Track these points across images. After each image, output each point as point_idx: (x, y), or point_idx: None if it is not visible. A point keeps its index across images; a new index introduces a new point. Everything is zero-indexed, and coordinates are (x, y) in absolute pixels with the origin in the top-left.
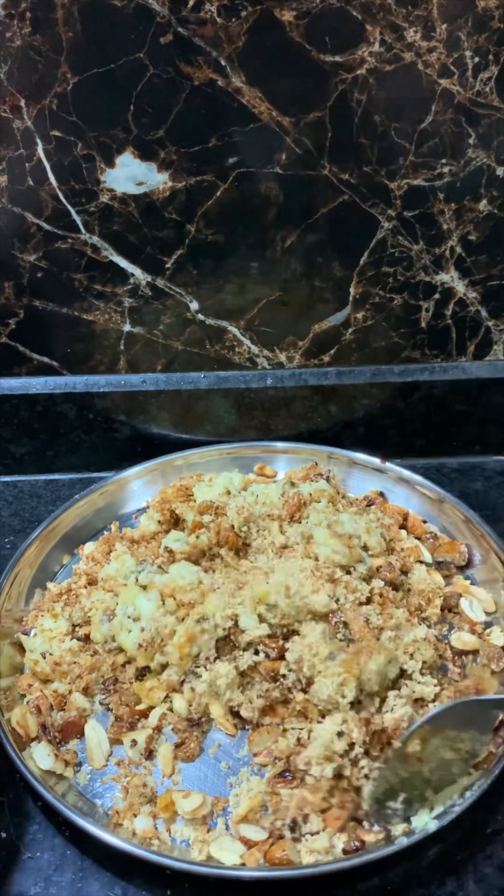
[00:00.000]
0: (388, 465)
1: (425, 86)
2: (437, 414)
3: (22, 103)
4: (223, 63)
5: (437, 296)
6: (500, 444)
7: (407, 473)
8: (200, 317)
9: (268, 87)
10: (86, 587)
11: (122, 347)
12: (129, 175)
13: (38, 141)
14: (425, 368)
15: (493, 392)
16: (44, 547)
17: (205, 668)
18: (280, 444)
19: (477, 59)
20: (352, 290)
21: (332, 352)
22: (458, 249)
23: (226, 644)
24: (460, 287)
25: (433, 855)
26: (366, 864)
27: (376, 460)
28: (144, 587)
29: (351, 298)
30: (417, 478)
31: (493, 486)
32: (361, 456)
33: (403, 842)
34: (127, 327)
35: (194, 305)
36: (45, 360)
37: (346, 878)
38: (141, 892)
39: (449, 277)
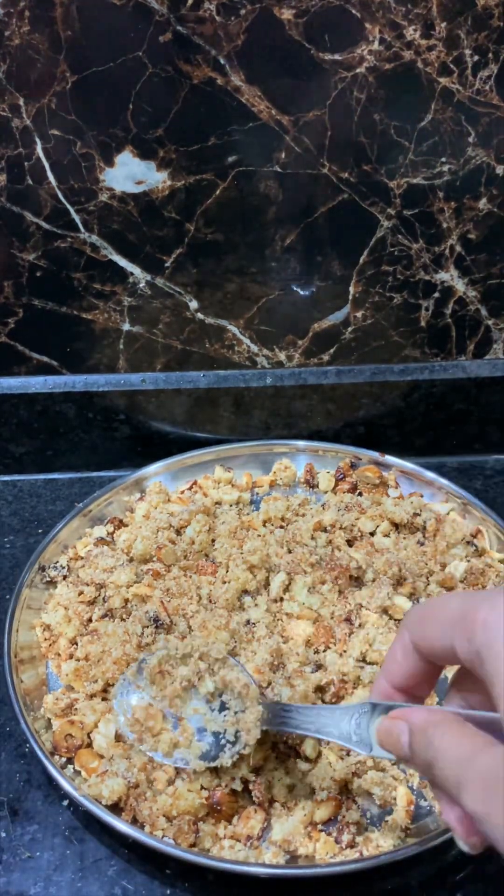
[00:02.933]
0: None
1: (425, 84)
2: (437, 413)
3: (21, 102)
4: (222, 62)
5: (436, 294)
6: (500, 443)
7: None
8: (200, 316)
9: (267, 86)
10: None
11: (121, 346)
12: (129, 174)
13: (37, 140)
14: (425, 367)
15: (493, 391)
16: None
17: None
18: (301, 443)
19: (477, 58)
20: (351, 289)
21: (332, 351)
22: (458, 248)
23: None
24: (460, 286)
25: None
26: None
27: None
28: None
29: (350, 297)
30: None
31: (492, 486)
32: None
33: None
34: (126, 326)
35: (194, 304)
36: (45, 359)
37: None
38: (141, 893)
39: (449, 276)
